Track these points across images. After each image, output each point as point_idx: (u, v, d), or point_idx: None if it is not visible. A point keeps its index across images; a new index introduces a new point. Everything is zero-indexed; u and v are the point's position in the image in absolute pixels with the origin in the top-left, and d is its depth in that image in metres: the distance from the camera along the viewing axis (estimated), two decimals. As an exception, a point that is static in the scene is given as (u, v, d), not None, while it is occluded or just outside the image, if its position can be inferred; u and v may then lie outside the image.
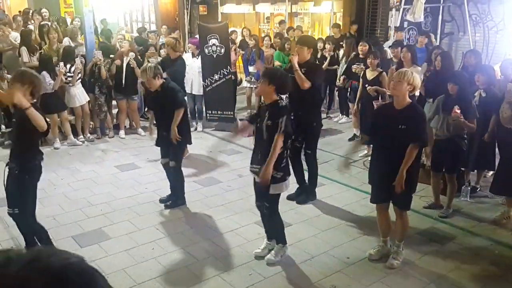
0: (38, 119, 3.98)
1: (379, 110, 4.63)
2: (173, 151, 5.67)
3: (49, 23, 10.52)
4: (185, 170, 6.51)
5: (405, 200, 4.42)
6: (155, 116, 5.96)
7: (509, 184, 5.25)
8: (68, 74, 7.99)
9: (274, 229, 4.66)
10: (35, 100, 4.21)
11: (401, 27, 9.75)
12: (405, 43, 8.92)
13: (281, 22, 11.85)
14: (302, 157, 6.07)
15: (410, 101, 4.27)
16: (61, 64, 7.90)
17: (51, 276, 0.69)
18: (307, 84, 5.54)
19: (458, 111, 5.10)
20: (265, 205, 4.54)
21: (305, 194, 5.96)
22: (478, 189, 6.23)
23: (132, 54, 8.46)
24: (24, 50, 9.20)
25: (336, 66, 9.40)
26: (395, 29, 9.90)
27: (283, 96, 8.02)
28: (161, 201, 5.88)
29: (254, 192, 4.70)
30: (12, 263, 0.69)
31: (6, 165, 4.30)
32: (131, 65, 8.38)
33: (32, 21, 11.22)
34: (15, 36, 9.62)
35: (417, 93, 6.86)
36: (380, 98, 7.05)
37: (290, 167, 4.67)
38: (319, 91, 5.97)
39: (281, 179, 4.34)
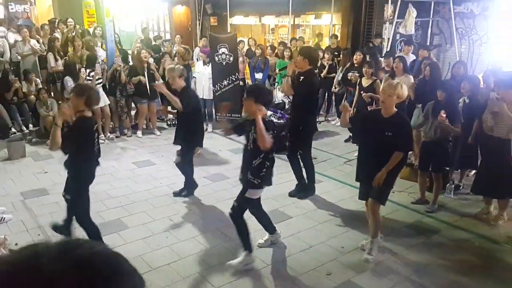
0: (54, 137, 4.05)
1: (367, 115, 4.64)
2: (182, 150, 5.80)
3: (74, 33, 10.63)
4: (197, 167, 6.59)
5: (380, 192, 4.34)
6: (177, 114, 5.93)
7: (488, 186, 5.30)
8: (87, 78, 8.09)
9: (239, 234, 4.34)
10: (89, 113, 4.22)
11: (409, 41, 9.49)
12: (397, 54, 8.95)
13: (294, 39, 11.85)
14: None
15: (396, 110, 4.27)
16: (82, 69, 8.01)
17: (81, 265, 0.68)
18: (290, 92, 5.96)
19: (444, 115, 5.18)
20: (233, 204, 4.33)
21: (304, 190, 6.02)
22: (461, 187, 6.27)
23: (151, 59, 8.55)
24: (50, 55, 9.30)
25: (334, 74, 9.45)
26: (405, 43, 9.75)
27: (286, 100, 8.15)
28: (175, 194, 5.96)
29: None
30: (42, 257, 0.68)
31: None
32: (151, 71, 8.49)
33: (58, 30, 11.32)
34: (33, 43, 9.69)
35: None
36: (374, 103, 7.11)
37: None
38: (311, 100, 5.85)
39: (258, 185, 4.23)
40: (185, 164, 5.86)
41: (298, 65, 5.74)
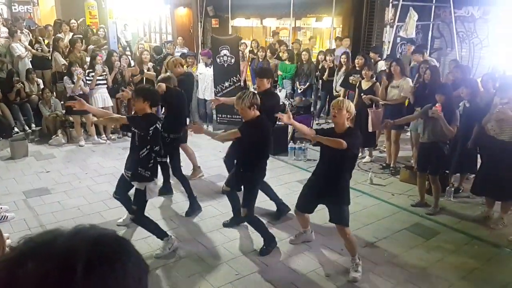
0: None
1: (323, 132, 4.37)
2: (244, 197, 4.67)
3: (78, 36, 10.64)
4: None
5: (340, 215, 4.22)
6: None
7: (488, 186, 5.32)
8: (87, 78, 8.13)
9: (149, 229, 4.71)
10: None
11: (419, 49, 8.74)
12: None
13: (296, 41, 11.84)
14: None
15: (348, 126, 4.14)
16: (79, 69, 8.01)
17: (91, 242, 0.75)
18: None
19: (439, 107, 5.20)
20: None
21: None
22: (461, 190, 6.28)
23: (150, 64, 8.57)
24: (58, 55, 9.35)
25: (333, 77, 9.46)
26: (413, 52, 9.53)
27: (286, 102, 8.06)
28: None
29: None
30: (59, 238, 0.76)
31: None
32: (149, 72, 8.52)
33: (61, 31, 11.36)
34: (23, 40, 9.68)
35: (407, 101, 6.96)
36: (374, 106, 7.11)
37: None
38: (273, 117, 5.51)
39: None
40: (252, 213, 4.68)
41: (258, 85, 5.68)
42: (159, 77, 5.92)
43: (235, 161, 4.89)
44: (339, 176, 4.16)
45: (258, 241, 4.77)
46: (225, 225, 5.22)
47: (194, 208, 5.59)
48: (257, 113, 4.47)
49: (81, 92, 8.04)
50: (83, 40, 10.20)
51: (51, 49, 9.83)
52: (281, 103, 9.00)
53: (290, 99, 9.61)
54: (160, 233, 4.65)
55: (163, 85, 5.64)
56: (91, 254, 0.73)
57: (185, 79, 6.90)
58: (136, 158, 4.48)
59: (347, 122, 4.12)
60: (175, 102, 5.78)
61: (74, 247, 0.73)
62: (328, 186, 4.19)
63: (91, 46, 9.85)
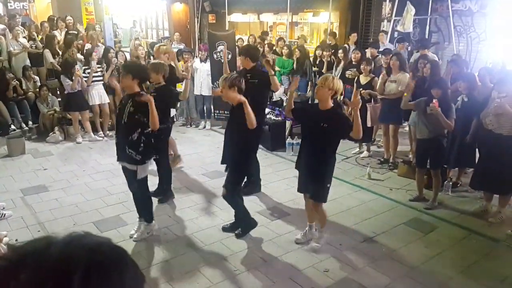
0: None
1: (306, 108, 4.62)
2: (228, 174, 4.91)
3: (76, 32, 10.55)
4: (195, 165, 6.57)
5: (318, 191, 4.44)
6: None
7: (487, 180, 5.32)
8: (84, 75, 8.09)
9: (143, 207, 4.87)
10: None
11: (401, 39, 9.51)
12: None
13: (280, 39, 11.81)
14: None
15: (332, 104, 4.26)
16: (76, 66, 7.97)
17: (88, 251, 0.72)
18: (278, 87, 5.51)
19: (437, 103, 5.20)
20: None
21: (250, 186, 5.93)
22: (459, 184, 6.28)
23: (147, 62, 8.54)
24: (48, 52, 9.28)
25: (331, 71, 9.43)
26: (397, 41, 9.73)
27: (284, 98, 8.03)
28: (224, 229, 5.09)
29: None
30: (53, 246, 0.72)
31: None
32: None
33: (56, 27, 11.27)
34: (22, 41, 9.61)
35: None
36: (372, 100, 7.10)
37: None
38: (264, 95, 5.73)
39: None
40: (234, 194, 4.83)
41: (242, 64, 5.71)
42: (150, 63, 5.72)
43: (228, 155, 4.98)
44: (324, 155, 4.32)
45: (256, 237, 4.78)
46: (224, 229, 5.04)
47: (158, 193, 5.72)
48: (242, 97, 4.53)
49: (79, 89, 8.02)
50: (77, 36, 10.11)
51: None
52: (278, 98, 9.03)
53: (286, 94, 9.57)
54: (149, 217, 4.80)
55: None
56: (88, 263, 0.70)
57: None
58: (126, 141, 4.47)
59: (331, 100, 4.23)
60: (163, 99, 5.52)
61: (69, 256, 0.70)
62: (314, 164, 4.36)
63: (87, 45, 9.75)
